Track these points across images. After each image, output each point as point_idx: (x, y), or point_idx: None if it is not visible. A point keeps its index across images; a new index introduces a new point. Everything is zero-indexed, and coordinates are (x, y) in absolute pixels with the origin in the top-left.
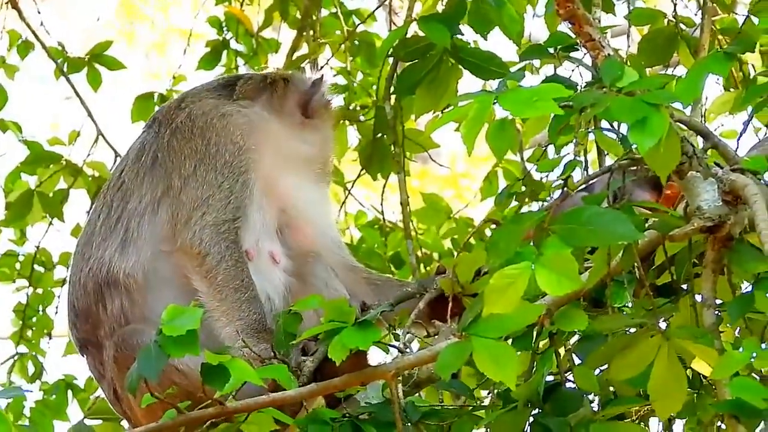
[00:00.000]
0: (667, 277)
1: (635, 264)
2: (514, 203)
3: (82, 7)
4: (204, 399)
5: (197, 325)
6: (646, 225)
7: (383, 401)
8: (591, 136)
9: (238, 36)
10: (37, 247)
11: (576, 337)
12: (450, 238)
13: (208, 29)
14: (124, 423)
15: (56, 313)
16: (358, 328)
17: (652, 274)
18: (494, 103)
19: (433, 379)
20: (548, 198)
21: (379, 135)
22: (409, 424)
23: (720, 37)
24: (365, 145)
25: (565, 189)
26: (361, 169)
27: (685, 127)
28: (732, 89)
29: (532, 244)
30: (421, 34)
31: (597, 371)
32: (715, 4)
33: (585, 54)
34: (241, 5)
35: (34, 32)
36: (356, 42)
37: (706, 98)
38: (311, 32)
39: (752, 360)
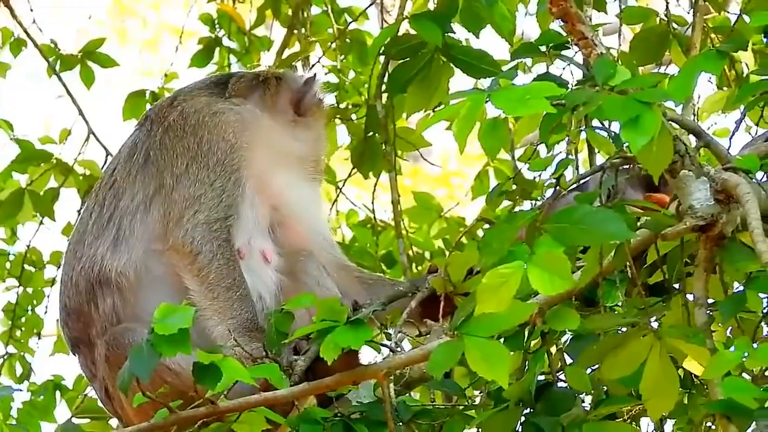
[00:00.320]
0: (659, 276)
1: (627, 263)
2: (506, 202)
3: (74, 5)
4: (195, 398)
5: (189, 324)
6: (639, 224)
7: (375, 400)
8: (583, 135)
9: (230, 34)
10: (28, 246)
11: (568, 337)
12: (441, 238)
13: (200, 27)
14: (114, 422)
15: (45, 312)
16: (350, 327)
17: (644, 273)
18: (486, 102)
19: (425, 378)
20: (540, 197)
21: (371, 133)
22: (401, 423)
23: (712, 35)
24: (356, 144)
25: (558, 188)
26: (353, 168)
27: (677, 126)
28: (725, 88)
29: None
30: (412, 32)
31: (589, 370)
32: (707, 3)
33: (577, 52)
34: (234, 3)
35: (26, 30)
36: (348, 40)
37: (699, 97)
38: (303, 30)
39: (744, 360)
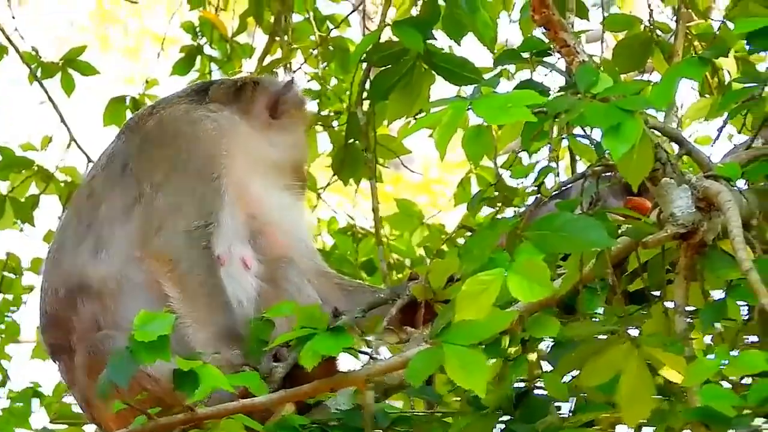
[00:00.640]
0: (639, 283)
1: (608, 271)
2: (487, 210)
3: (56, 12)
4: (174, 405)
5: (169, 331)
6: (619, 231)
7: (353, 408)
8: (564, 142)
9: (212, 41)
10: (8, 253)
11: (548, 344)
12: (423, 246)
13: (182, 34)
14: (92, 428)
15: (23, 319)
16: (330, 335)
17: (625, 280)
18: (468, 109)
19: (404, 385)
20: (522, 204)
21: (352, 141)
22: (380, 430)
23: (695, 42)
24: (337, 151)
25: (539, 195)
26: (333, 175)
27: (659, 134)
28: (707, 95)
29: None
30: (394, 39)
31: (568, 378)
32: (690, 10)
33: (559, 59)
34: (216, 10)
35: (8, 37)
36: (330, 47)
37: (682, 104)
38: (284, 37)
39: (723, 367)
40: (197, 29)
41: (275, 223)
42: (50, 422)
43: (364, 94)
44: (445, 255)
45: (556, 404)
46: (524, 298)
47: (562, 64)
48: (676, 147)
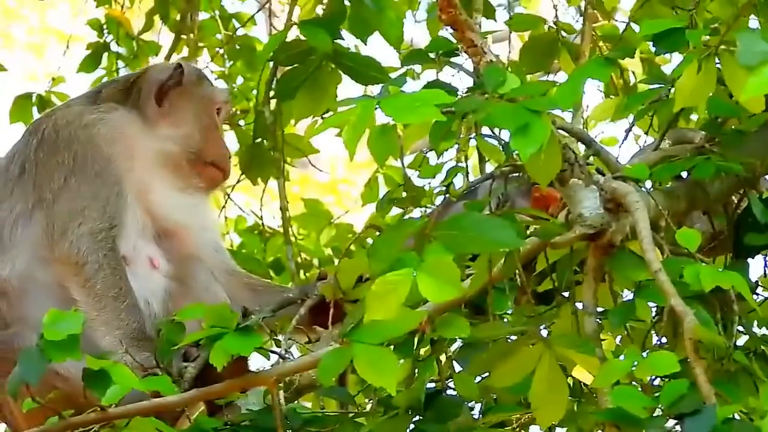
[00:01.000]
0: (548, 284)
1: (517, 271)
2: (395, 210)
3: None
4: (86, 404)
5: (79, 329)
6: (528, 232)
7: (264, 408)
8: (473, 142)
9: (118, 39)
10: None
11: (458, 344)
12: (331, 245)
13: (87, 32)
14: (2, 427)
15: None
16: (240, 334)
17: (534, 281)
18: (376, 109)
19: (315, 385)
20: (430, 204)
21: (259, 140)
22: (291, 430)
23: (601, 43)
24: (245, 150)
25: (447, 195)
26: (241, 174)
27: (566, 134)
28: (613, 96)
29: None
30: (302, 38)
31: (478, 378)
32: (595, 11)
33: (466, 59)
34: (122, 8)
35: None
36: (236, 46)
37: (587, 105)
38: (191, 35)
39: (633, 368)
40: (103, 26)
41: (180, 222)
42: None
43: (271, 93)
44: (354, 255)
45: (469, 405)
46: (434, 299)
47: (469, 65)
48: (583, 148)
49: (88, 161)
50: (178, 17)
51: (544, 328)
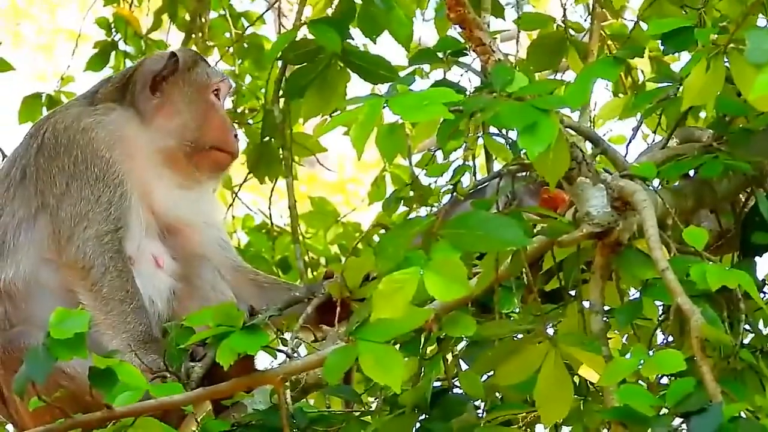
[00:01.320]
0: (555, 282)
1: (523, 270)
2: (402, 208)
3: None
4: (92, 403)
5: (85, 328)
6: (535, 230)
7: (270, 407)
8: (480, 141)
9: (126, 38)
10: None
11: (464, 343)
12: (338, 244)
13: (95, 31)
14: (10, 427)
15: None
16: (246, 333)
17: (541, 279)
18: (384, 107)
19: (321, 384)
20: (437, 203)
21: (267, 138)
22: (297, 429)
23: (609, 42)
24: (253, 149)
25: (454, 194)
26: (249, 173)
27: (574, 133)
28: (621, 95)
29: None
30: (310, 36)
31: (484, 377)
32: (604, 9)
33: (474, 58)
34: (130, 6)
35: None
36: (245, 45)
37: (596, 104)
38: (200, 34)
39: (640, 367)
40: (112, 25)
41: (184, 220)
42: None
43: (280, 92)
44: (361, 253)
45: (475, 403)
46: (441, 297)
47: (477, 64)
48: (590, 147)
49: (89, 165)
50: (186, 16)
51: (551, 326)
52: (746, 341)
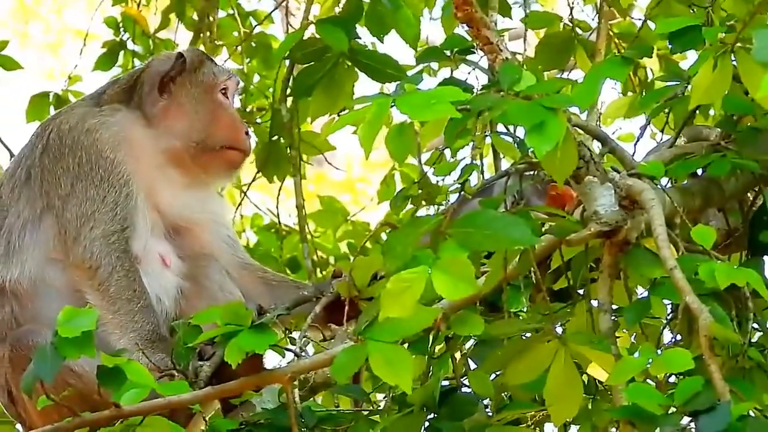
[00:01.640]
0: (563, 281)
1: (532, 268)
2: (410, 207)
3: None
4: (100, 402)
5: (93, 326)
6: (543, 229)
7: (279, 406)
8: (488, 140)
9: (134, 37)
10: None
11: (472, 342)
12: (346, 242)
13: (103, 30)
14: (19, 426)
15: None
16: (255, 332)
17: (549, 278)
18: (392, 106)
19: (330, 383)
20: (445, 202)
21: (275, 137)
22: (305, 428)
23: (616, 41)
24: (261, 148)
25: (462, 193)
26: (257, 172)
27: (582, 132)
28: (629, 93)
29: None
30: (317, 35)
31: (493, 376)
32: (611, 8)
33: (482, 57)
34: (138, 6)
35: None
36: (253, 44)
37: (603, 102)
38: (208, 33)
39: (648, 365)
40: (120, 25)
41: (191, 220)
42: None
43: (288, 91)
44: (369, 252)
45: (484, 402)
46: (449, 296)
47: (484, 63)
48: (598, 145)
49: (94, 166)
50: (194, 15)
51: (559, 325)
52: (754, 340)
